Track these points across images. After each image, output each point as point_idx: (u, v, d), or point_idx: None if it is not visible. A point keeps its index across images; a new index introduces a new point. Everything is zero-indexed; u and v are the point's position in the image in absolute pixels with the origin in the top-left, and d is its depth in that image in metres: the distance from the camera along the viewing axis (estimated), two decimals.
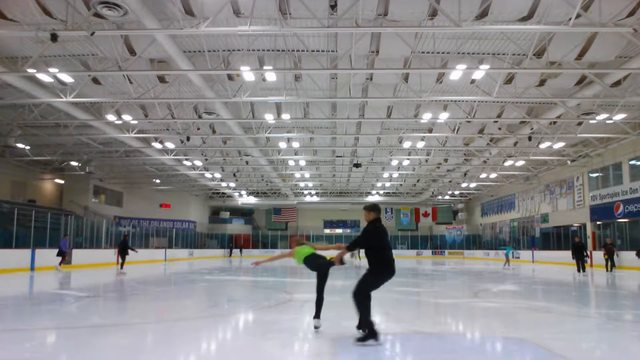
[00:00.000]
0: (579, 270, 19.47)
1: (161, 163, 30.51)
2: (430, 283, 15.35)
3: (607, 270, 20.69)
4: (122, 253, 19.68)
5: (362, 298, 5.52)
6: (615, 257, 21.57)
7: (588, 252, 21.77)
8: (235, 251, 46.76)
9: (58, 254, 19.02)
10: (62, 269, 18.95)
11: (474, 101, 18.74)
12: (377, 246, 5.65)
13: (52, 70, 14.15)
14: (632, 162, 24.01)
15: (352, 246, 5.89)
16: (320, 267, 6.02)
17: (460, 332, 6.65)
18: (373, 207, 5.92)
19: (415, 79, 16.39)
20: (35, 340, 5.83)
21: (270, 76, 15.38)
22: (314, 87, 17.22)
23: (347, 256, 6.03)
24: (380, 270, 5.61)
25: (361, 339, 5.33)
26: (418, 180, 38.77)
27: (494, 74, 15.21)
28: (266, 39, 14.24)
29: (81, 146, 25.78)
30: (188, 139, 22.67)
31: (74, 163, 29.18)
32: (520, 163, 28.74)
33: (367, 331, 5.36)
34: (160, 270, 21.26)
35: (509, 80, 16.46)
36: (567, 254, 21.78)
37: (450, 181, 37.08)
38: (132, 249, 20.35)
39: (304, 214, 51.84)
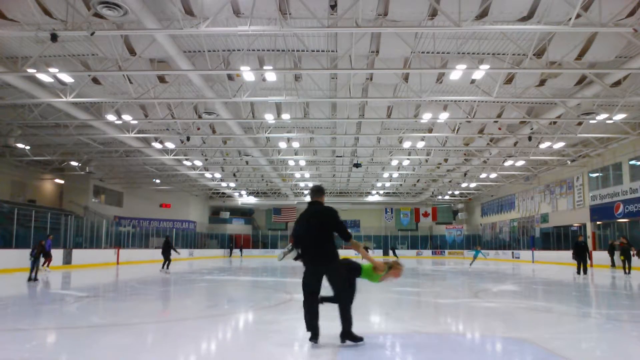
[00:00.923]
0: (579, 272, 18.00)
1: (161, 163, 30.52)
2: (430, 283, 15.35)
3: (625, 272, 18.97)
4: (166, 253, 19.71)
5: (305, 297, 5.28)
6: (633, 257, 19.50)
7: (589, 253, 20.01)
8: (236, 251, 46.79)
9: (44, 255, 19.00)
10: (48, 269, 18.94)
11: (474, 101, 18.74)
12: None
13: (52, 70, 14.16)
14: (632, 162, 24.01)
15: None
16: None
17: (460, 332, 6.64)
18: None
19: (415, 79, 16.39)
20: (35, 340, 5.82)
21: (270, 76, 15.38)
22: (314, 87, 17.22)
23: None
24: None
25: (310, 339, 5.26)
26: (418, 180, 38.77)
27: (494, 74, 15.22)
28: (266, 39, 14.24)
29: (81, 146, 25.78)
30: (188, 139, 22.68)
31: (74, 163, 29.19)
32: (520, 163, 28.75)
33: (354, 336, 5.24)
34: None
35: (509, 80, 16.46)
36: (567, 254, 21.58)
37: (450, 181, 37.08)
38: (175, 250, 20.34)
39: None
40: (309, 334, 5.28)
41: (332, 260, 5.18)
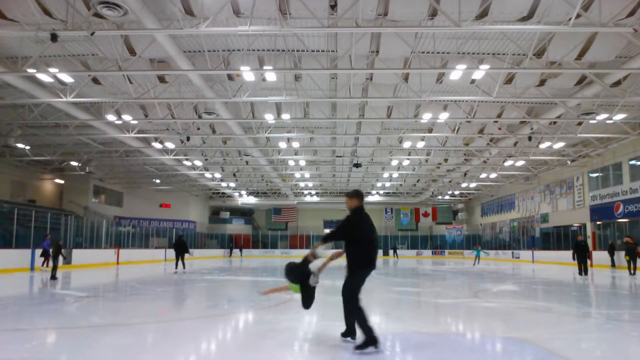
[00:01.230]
0: (580, 273, 17.58)
1: (161, 163, 30.52)
2: (430, 283, 15.35)
3: (630, 273, 18.22)
4: (180, 253, 19.45)
5: (355, 303, 5.04)
6: (639, 257, 18.56)
7: (589, 253, 19.08)
8: (235, 251, 46.81)
9: (42, 255, 19.08)
10: (46, 269, 18.98)
11: (474, 101, 18.74)
12: (360, 238, 5.10)
13: (52, 70, 14.16)
14: (632, 162, 24.02)
15: (330, 237, 5.19)
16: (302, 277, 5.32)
17: (460, 332, 6.64)
18: (355, 193, 5.32)
19: (415, 79, 16.39)
20: (35, 340, 5.83)
21: (270, 76, 15.39)
22: (314, 87, 17.22)
23: (320, 250, 5.23)
24: (362, 267, 5.12)
25: (360, 347, 4.93)
26: (418, 180, 38.78)
27: (494, 74, 15.22)
28: (266, 39, 14.24)
29: (81, 146, 25.79)
30: (188, 139, 22.68)
31: (74, 163, 29.20)
32: (520, 163, 28.75)
33: (366, 338, 4.94)
34: (160, 270, 21.26)
35: (509, 80, 16.46)
36: (567, 254, 21.52)
37: (450, 181, 37.08)
38: (188, 251, 20.08)
39: (304, 214, 51.86)
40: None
41: None
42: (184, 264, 19.52)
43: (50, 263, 18.81)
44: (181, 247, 19.63)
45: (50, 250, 15.73)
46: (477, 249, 30.93)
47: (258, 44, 14.44)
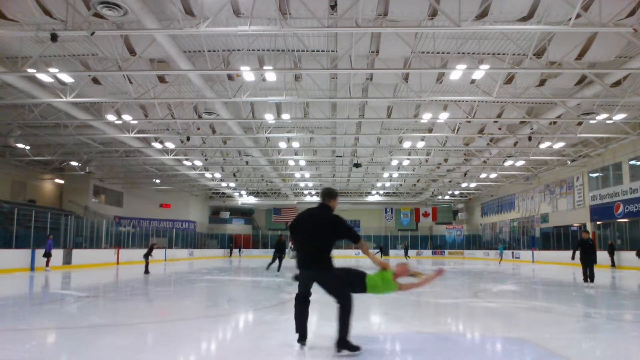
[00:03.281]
0: (586, 279, 13.47)
1: (161, 163, 30.52)
2: (430, 283, 15.33)
3: None
4: (279, 253, 19.03)
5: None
6: None
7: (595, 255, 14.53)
8: (235, 251, 46.79)
9: (44, 255, 19.11)
10: (49, 269, 19.00)
11: (474, 101, 18.74)
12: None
13: (52, 70, 14.16)
14: (632, 162, 24.02)
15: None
16: None
17: (460, 332, 6.64)
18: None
19: (415, 79, 16.39)
20: (35, 340, 5.82)
21: (270, 76, 15.39)
22: (314, 87, 17.22)
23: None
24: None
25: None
26: (418, 180, 38.78)
27: (494, 74, 15.21)
28: (266, 39, 14.24)
29: (81, 146, 25.79)
30: (188, 139, 22.68)
31: (74, 163, 29.21)
32: (520, 163, 28.75)
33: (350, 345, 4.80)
34: (160, 270, 21.25)
35: (509, 80, 16.46)
36: (567, 254, 21.23)
37: (450, 181, 37.09)
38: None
39: None
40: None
41: None
42: (279, 265, 18.80)
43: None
44: (282, 248, 19.06)
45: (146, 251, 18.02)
46: (500, 246, 30.97)
47: (258, 44, 14.44)
